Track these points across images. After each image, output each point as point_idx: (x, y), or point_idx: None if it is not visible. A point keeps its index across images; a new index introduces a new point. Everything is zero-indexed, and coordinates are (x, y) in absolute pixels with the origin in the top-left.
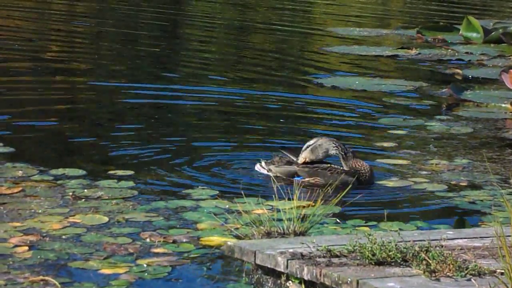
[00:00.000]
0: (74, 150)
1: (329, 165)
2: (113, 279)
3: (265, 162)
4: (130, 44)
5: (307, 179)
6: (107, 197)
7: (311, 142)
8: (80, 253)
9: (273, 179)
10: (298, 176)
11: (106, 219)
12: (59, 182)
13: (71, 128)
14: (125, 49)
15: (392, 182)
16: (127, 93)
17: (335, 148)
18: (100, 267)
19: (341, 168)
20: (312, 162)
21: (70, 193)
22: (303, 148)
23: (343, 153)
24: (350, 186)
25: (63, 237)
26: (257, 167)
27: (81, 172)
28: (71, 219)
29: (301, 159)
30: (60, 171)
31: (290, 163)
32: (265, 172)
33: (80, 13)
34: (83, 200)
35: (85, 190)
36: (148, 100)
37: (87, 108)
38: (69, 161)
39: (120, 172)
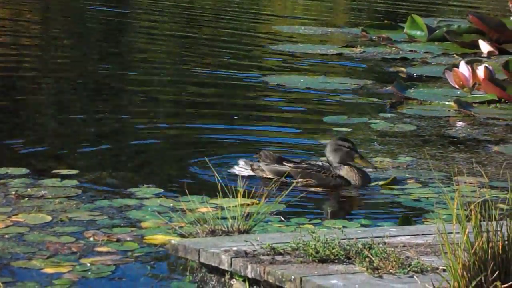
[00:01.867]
0: (16, 148)
1: (321, 167)
2: (56, 278)
3: (245, 162)
4: (76, 31)
5: (300, 180)
6: (50, 196)
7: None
8: (23, 252)
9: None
10: (289, 176)
11: (49, 218)
12: (2, 181)
13: (12, 125)
14: (70, 35)
15: None
16: (71, 82)
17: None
18: (43, 266)
19: (334, 172)
20: (300, 162)
21: (13, 192)
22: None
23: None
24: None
25: (6, 236)
26: (237, 169)
27: (24, 170)
28: (14, 218)
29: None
30: (3, 170)
31: (281, 160)
32: (246, 173)
33: None
34: (26, 199)
35: (29, 189)
36: (93, 87)
37: (31, 99)
38: (12, 160)
39: (64, 171)
